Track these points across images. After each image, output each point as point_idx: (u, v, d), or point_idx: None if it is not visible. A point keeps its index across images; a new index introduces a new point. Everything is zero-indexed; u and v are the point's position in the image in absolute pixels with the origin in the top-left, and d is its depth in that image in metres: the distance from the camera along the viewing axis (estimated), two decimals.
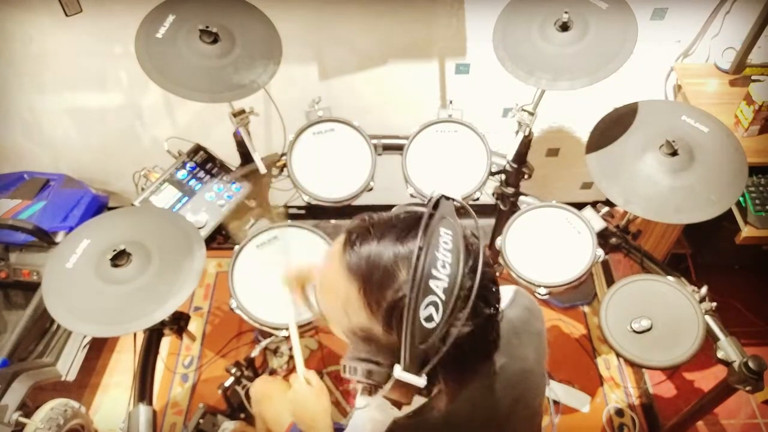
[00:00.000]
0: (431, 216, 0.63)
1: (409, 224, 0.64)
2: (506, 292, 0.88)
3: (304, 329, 1.44)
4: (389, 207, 0.71)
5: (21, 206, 1.98)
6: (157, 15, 1.42)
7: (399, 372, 0.59)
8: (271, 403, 1.31)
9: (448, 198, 0.67)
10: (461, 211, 0.68)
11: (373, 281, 0.62)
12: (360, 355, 0.65)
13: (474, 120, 2.02)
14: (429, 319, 0.58)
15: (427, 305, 0.58)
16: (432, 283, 0.58)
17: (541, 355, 0.88)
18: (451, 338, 0.59)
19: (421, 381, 0.59)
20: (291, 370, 2.09)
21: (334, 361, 2.12)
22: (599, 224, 1.58)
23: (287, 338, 1.58)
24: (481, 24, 1.85)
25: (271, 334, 1.48)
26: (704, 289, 1.47)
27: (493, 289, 0.65)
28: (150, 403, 1.38)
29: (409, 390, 0.61)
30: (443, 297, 0.58)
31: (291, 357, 2.08)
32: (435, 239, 0.61)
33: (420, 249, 0.60)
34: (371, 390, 0.64)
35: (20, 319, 1.75)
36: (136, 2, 1.53)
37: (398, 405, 0.65)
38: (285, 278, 1.17)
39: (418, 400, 0.73)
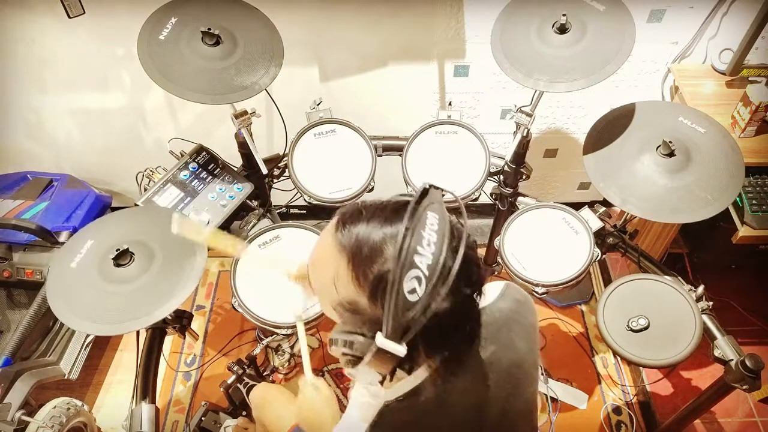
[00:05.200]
0: (420, 201, 0.67)
1: (398, 208, 0.68)
2: (497, 286, 0.91)
3: (308, 326, 1.46)
4: None
5: (24, 206, 1.99)
6: (160, 17, 1.44)
7: (380, 339, 0.62)
8: (271, 408, 1.32)
9: (436, 188, 0.70)
10: (458, 211, 0.70)
11: (361, 255, 0.66)
12: (346, 329, 0.69)
13: (473, 121, 2.03)
14: (412, 291, 0.61)
15: (411, 279, 0.61)
16: (416, 259, 0.61)
17: (533, 345, 0.90)
18: (431, 311, 0.62)
19: (401, 349, 0.62)
20: (292, 368, 2.11)
21: (334, 359, 2.13)
22: (596, 224, 1.59)
23: (288, 336, 1.59)
24: (480, 26, 1.86)
25: (272, 333, 1.49)
26: (701, 289, 1.49)
27: (475, 271, 0.68)
28: (152, 401, 1.39)
29: (389, 360, 0.64)
30: (426, 272, 0.61)
31: (292, 355, 2.09)
32: (422, 221, 0.64)
33: (407, 228, 0.63)
34: (355, 362, 0.67)
35: (23, 318, 1.77)
36: (138, 4, 1.54)
37: (381, 378, 0.68)
38: (296, 275, 1.17)
39: (408, 383, 0.75)
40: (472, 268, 0.67)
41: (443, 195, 0.70)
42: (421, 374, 0.75)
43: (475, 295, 0.69)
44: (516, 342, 0.85)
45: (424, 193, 0.68)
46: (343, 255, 0.68)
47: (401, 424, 0.77)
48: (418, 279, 0.61)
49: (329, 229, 0.72)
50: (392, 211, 0.68)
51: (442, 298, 0.62)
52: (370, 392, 0.82)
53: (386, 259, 0.64)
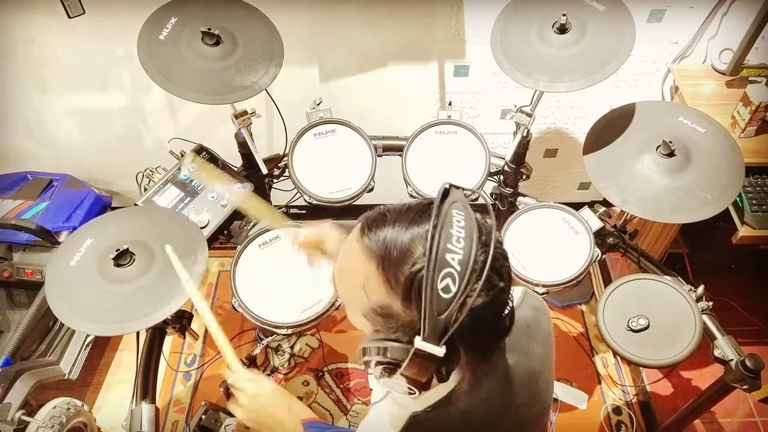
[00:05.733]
0: (443, 200, 0.66)
1: (422, 208, 0.67)
2: (515, 292, 0.90)
3: (304, 327, 1.46)
4: None
5: (24, 206, 1.99)
6: (160, 17, 1.44)
7: (420, 342, 0.61)
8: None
9: (456, 187, 0.69)
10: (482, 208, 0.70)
11: (391, 258, 0.65)
12: (379, 336, 0.68)
13: (473, 121, 2.03)
14: (446, 290, 0.60)
15: (444, 277, 0.60)
16: (448, 256, 0.61)
17: (550, 353, 0.91)
18: (467, 308, 0.61)
19: (440, 350, 0.61)
20: (292, 368, 2.11)
21: (335, 358, 2.14)
22: (596, 224, 1.59)
23: (288, 336, 1.58)
24: (480, 26, 1.86)
25: (272, 333, 1.49)
26: (701, 289, 1.49)
27: (505, 264, 0.68)
28: (152, 401, 1.40)
29: (429, 364, 0.63)
30: (459, 268, 0.60)
31: (292, 355, 2.08)
32: (449, 218, 0.63)
33: (435, 226, 0.62)
34: (391, 370, 0.66)
35: (23, 318, 1.77)
36: (138, 4, 1.54)
37: (417, 386, 0.66)
38: (302, 242, 1.17)
39: (437, 393, 0.74)
40: (502, 261, 0.67)
41: (465, 194, 0.69)
42: (450, 382, 0.73)
43: (506, 288, 0.68)
44: (535, 349, 0.85)
45: (446, 192, 0.68)
46: (372, 259, 0.66)
47: None
48: (451, 276, 0.60)
49: (354, 236, 0.70)
50: (417, 212, 0.67)
51: (477, 294, 0.61)
52: (395, 401, 0.79)
53: (416, 259, 0.63)
